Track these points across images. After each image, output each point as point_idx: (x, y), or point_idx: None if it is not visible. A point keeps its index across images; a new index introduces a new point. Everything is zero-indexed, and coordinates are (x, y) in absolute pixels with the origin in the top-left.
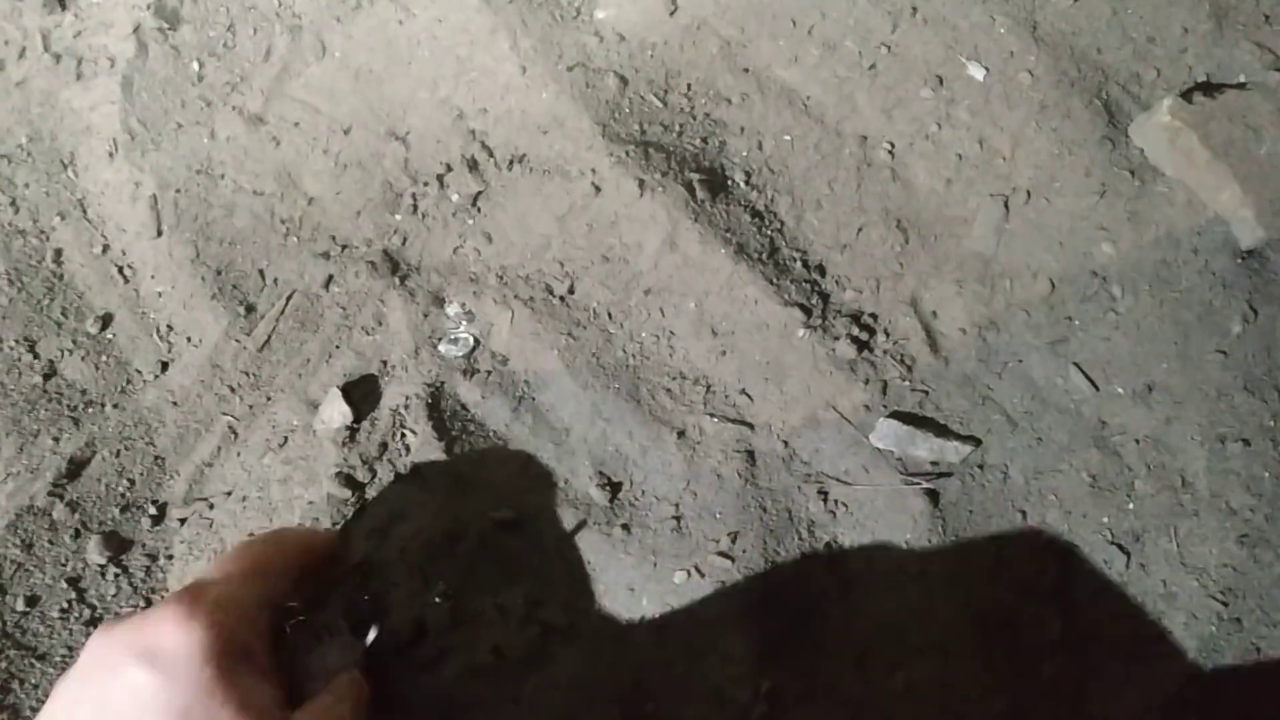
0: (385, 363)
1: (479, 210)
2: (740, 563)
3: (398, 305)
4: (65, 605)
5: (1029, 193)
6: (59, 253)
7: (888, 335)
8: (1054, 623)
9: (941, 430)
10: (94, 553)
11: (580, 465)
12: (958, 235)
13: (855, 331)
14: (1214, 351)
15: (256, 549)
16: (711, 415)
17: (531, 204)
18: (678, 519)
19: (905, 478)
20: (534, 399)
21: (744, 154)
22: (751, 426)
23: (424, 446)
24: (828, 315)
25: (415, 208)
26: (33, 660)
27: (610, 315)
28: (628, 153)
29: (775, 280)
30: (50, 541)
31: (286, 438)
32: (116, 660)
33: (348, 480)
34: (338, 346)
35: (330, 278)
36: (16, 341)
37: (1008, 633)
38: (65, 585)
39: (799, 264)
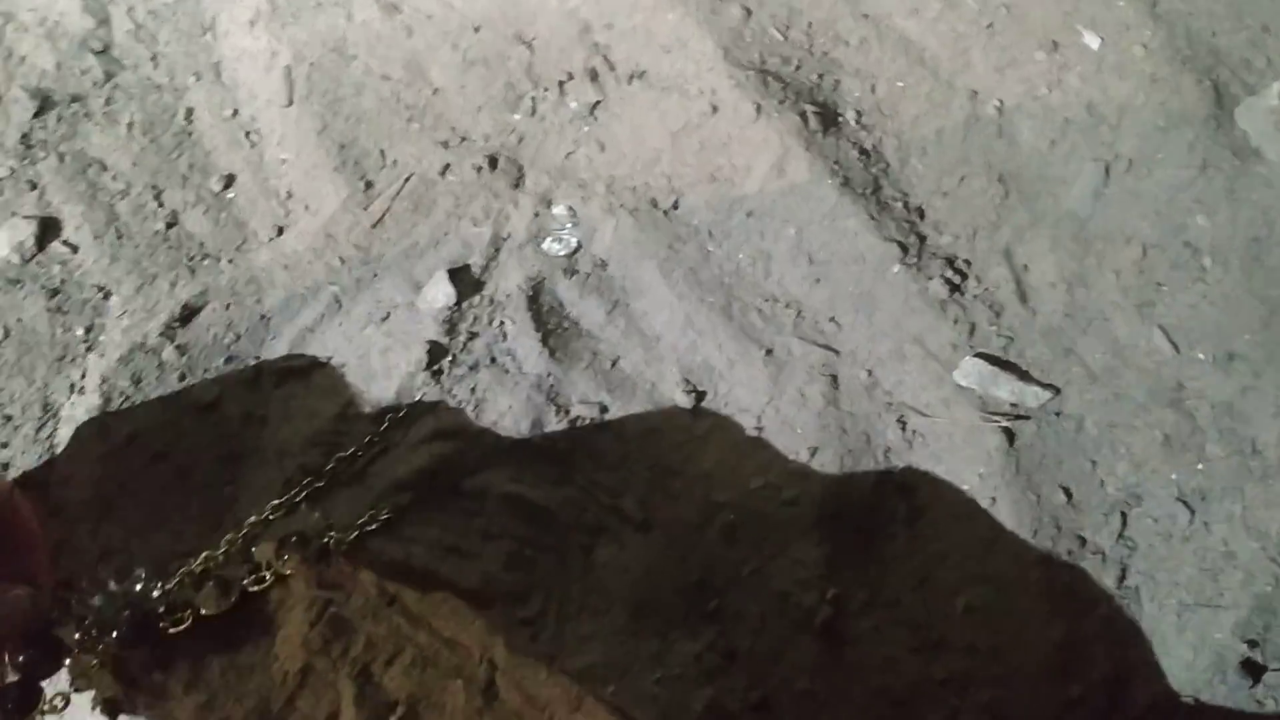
0: (491, 253)
1: (595, 119)
2: (816, 477)
3: (508, 200)
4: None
5: (1130, 161)
6: (190, 111)
7: (979, 281)
8: (1113, 567)
9: (1023, 375)
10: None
11: (668, 371)
12: (1056, 194)
13: (948, 274)
14: None
15: None
16: (800, 338)
17: (647, 118)
18: (759, 429)
19: (984, 415)
20: (629, 304)
21: (856, 95)
22: (838, 353)
23: (521, 336)
24: (923, 256)
25: (534, 110)
26: None
27: (711, 233)
28: (748, 77)
29: (876, 216)
30: (157, 380)
31: (389, 313)
32: None
33: (443, 356)
34: (447, 233)
35: (447, 166)
36: (144, 188)
37: (1068, 571)
38: None
39: (900, 204)
